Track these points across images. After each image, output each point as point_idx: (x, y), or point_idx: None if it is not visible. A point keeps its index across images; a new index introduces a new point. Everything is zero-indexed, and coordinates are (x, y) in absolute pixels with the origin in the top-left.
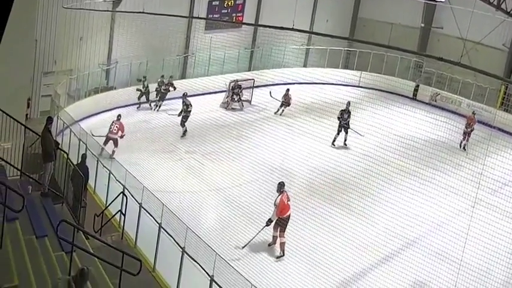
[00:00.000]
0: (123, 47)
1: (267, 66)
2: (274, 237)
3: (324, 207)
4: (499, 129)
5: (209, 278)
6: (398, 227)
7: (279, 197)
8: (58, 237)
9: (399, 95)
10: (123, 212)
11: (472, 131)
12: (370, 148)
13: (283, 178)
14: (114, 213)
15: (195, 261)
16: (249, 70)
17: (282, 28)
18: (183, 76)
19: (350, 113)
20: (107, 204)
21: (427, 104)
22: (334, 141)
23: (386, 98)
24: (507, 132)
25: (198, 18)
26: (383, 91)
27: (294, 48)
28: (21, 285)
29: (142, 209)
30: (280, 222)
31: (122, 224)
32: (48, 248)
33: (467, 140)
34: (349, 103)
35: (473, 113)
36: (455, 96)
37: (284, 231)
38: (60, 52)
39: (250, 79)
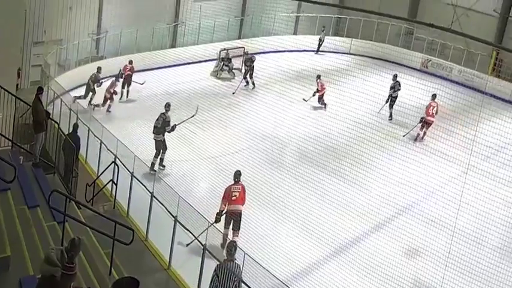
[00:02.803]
0: (112, 16)
1: (257, 34)
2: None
3: (317, 175)
4: (491, 95)
5: (202, 247)
6: (391, 194)
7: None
8: (50, 207)
9: (390, 61)
10: (115, 182)
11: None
12: (362, 115)
13: (275, 146)
14: (105, 183)
15: (188, 230)
16: (239, 38)
17: None
18: (173, 45)
19: (394, 88)
20: (99, 174)
21: (418, 70)
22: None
23: (377, 65)
24: (499, 98)
25: None
26: (373, 58)
27: (284, 16)
28: (14, 256)
29: (134, 178)
30: (227, 217)
31: (114, 194)
32: (40, 218)
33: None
34: (395, 76)
35: (433, 96)
36: (447, 62)
37: (235, 230)
38: (50, 22)
39: (240, 47)
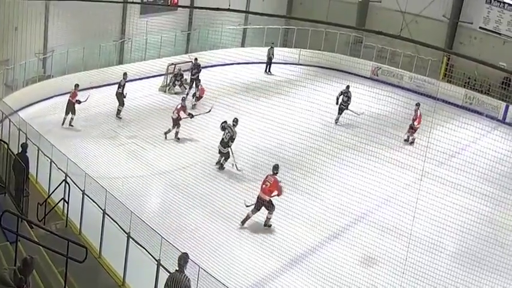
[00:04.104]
0: (58, 35)
1: (204, 48)
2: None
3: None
4: (443, 100)
5: (156, 262)
6: (345, 203)
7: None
8: (2, 227)
9: (340, 70)
10: (66, 200)
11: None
12: (313, 125)
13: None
14: (57, 202)
15: (141, 245)
16: (187, 53)
17: (217, 9)
18: (120, 61)
19: (349, 96)
20: (50, 193)
21: (368, 78)
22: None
23: (327, 75)
24: (451, 104)
25: (133, 3)
26: (323, 67)
27: (231, 29)
28: None
29: (85, 196)
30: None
31: (66, 212)
32: None
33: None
34: (348, 86)
35: (417, 105)
36: (397, 69)
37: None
38: None
39: (188, 61)
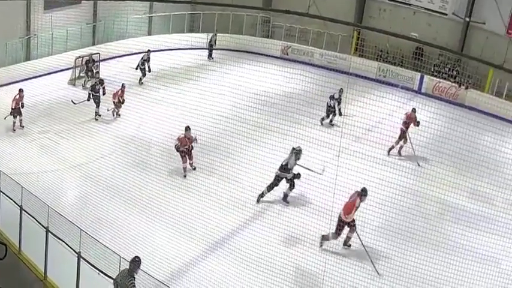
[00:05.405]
0: None
1: (111, 39)
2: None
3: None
4: (356, 75)
5: (76, 255)
6: (264, 184)
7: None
8: None
9: (249, 52)
10: None
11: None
12: (225, 108)
13: (140, 148)
14: None
15: (60, 239)
16: (93, 44)
17: None
18: (27, 58)
19: (340, 100)
20: None
21: (278, 58)
22: (322, 120)
23: (236, 57)
24: (365, 77)
25: None
26: (232, 50)
27: (136, 18)
28: None
29: (1, 193)
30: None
31: None
32: None
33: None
34: (341, 90)
35: (413, 111)
36: (307, 47)
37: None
38: None
39: (95, 53)
